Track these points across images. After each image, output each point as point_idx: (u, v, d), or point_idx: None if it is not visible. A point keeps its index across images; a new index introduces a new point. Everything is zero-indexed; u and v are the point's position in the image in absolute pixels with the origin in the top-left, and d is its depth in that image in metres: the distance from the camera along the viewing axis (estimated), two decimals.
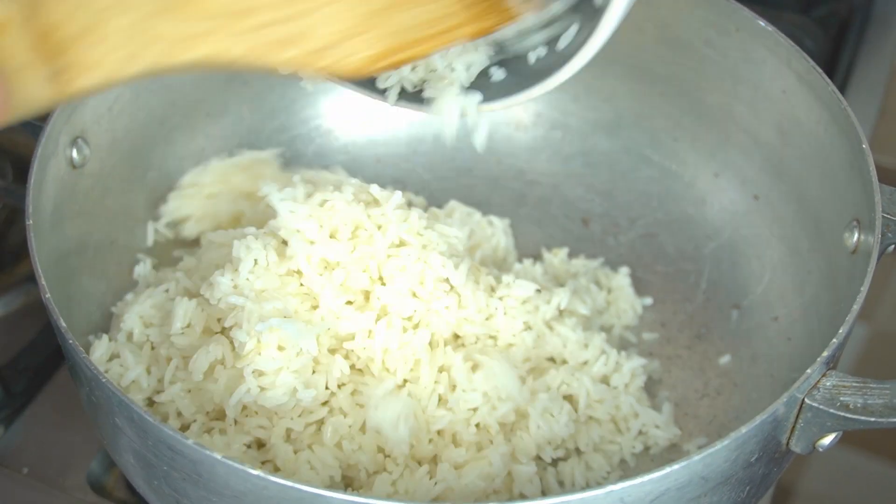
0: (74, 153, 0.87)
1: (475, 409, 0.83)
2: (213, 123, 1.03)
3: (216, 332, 0.83)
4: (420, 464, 0.82)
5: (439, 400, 0.84)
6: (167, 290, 0.88)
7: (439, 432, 0.83)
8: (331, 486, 0.80)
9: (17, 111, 0.51)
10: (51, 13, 0.48)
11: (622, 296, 1.00)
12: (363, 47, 0.60)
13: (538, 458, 0.86)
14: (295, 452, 0.80)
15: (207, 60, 0.55)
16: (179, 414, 0.83)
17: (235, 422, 0.81)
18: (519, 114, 1.10)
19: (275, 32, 0.56)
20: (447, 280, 0.85)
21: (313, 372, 0.81)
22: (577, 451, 0.88)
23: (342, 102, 1.09)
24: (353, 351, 0.83)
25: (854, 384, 0.70)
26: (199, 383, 0.81)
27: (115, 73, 0.52)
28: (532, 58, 0.74)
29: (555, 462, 0.87)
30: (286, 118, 1.07)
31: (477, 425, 0.83)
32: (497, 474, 0.81)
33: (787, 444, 0.72)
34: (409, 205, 0.92)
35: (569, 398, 0.89)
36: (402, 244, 0.85)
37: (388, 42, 0.61)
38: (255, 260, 0.82)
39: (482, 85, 0.77)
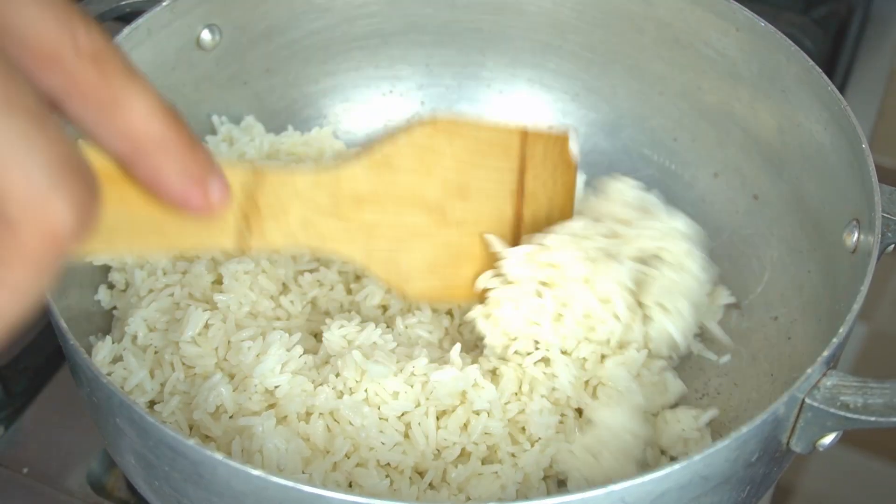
0: None
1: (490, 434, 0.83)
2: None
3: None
4: (422, 476, 0.82)
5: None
6: (172, 295, 0.88)
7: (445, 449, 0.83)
8: None
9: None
10: (262, 196, 0.65)
11: None
12: (421, 285, 0.82)
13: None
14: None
15: (341, 256, 0.75)
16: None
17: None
18: (518, 116, 1.10)
19: (383, 254, 0.78)
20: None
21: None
22: None
23: (342, 102, 1.10)
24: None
25: (854, 384, 0.70)
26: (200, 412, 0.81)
27: (279, 244, 0.69)
28: None
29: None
30: (286, 118, 1.08)
31: (488, 446, 0.83)
32: (508, 497, 0.81)
33: (788, 443, 0.73)
34: None
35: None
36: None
37: (437, 288, 0.84)
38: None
39: None
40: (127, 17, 0.94)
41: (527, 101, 1.10)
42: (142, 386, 0.83)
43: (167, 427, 0.65)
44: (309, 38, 1.05)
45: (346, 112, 1.09)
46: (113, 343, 0.85)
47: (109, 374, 0.83)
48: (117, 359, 0.84)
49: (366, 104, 1.10)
